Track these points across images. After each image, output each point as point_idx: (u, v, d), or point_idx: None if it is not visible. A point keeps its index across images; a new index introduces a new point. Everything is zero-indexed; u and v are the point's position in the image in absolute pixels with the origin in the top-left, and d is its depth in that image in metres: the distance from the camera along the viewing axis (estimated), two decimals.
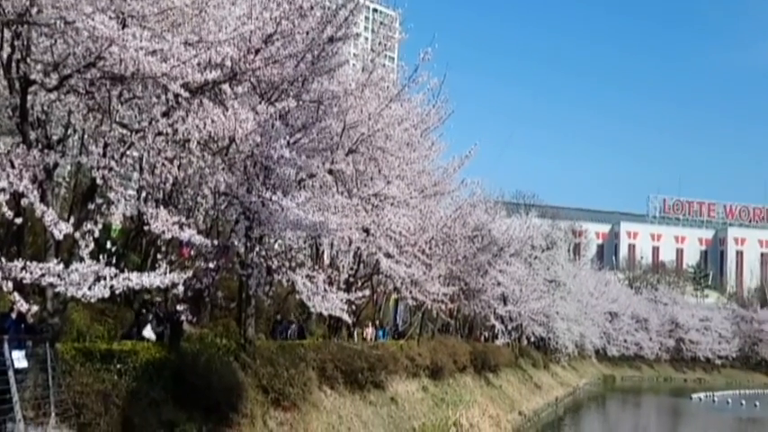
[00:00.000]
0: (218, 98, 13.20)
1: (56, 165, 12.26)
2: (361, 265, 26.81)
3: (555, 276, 60.26)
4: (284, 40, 14.25)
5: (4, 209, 10.43)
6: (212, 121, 12.49)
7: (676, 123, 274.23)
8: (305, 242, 22.36)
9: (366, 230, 20.87)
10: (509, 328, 47.52)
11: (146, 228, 13.38)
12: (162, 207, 13.19)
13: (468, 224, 32.78)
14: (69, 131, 13.77)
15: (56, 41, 11.24)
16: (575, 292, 66.35)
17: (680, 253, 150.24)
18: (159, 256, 16.66)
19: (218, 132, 12.78)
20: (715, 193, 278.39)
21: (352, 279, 26.00)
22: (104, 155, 12.02)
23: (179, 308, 16.27)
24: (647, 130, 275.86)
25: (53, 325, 12.39)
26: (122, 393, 13.38)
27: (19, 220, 11.01)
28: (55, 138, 13.26)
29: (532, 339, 57.29)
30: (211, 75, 11.81)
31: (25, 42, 11.22)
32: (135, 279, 11.41)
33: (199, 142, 12.90)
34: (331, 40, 14.96)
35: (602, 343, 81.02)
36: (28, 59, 11.28)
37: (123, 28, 10.50)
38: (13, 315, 12.01)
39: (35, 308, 10.99)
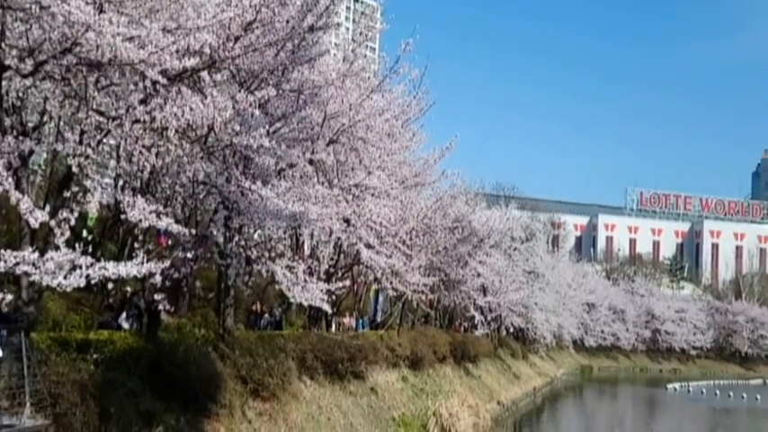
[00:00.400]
0: (197, 86, 13.02)
1: (31, 152, 12.05)
2: (342, 256, 26.81)
3: (534, 268, 60.80)
4: (264, 28, 14.07)
5: None
6: (191, 109, 12.31)
7: (655, 115, 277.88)
8: (285, 232, 22.25)
9: (347, 221, 20.82)
10: (488, 318, 47.81)
11: (123, 216, 13.20)
12: (139, 196, 13.05)
13: (449, 215, 32.92)
14: (45, 118, 13.51)
15: (31, 26, 11.00)
16: (553, 283, 66.99)
17: (656, 245, 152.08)
18: (136, 246, 16.48)
19: (196, 120, 12.61)
20: (691, 187, 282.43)
21: (332, 269, 25.99)
22: (81, 142, 11.84)
23: (156, 297, 16.12)
24: (626, 120, 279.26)
25: (28, 314, 12.21)
26: (99, 383, 13.27)
27: None
28: (30, 124, 13.02)
29: (511, 330, 57.74)
30: (190, 62, 11.65)
31: (0, 27, 11.00)
32: (111, 268, 11.25)
33: (177, 130, 12.73)
34: (311, 29, 14.81)
35: (580, 333, 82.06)
36: (2, 44, 11.02)
37: (100, 13, 10.30)
38: None
39: (9, 297, 10.82)
